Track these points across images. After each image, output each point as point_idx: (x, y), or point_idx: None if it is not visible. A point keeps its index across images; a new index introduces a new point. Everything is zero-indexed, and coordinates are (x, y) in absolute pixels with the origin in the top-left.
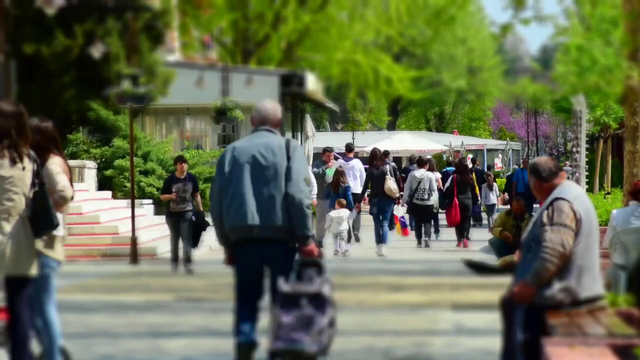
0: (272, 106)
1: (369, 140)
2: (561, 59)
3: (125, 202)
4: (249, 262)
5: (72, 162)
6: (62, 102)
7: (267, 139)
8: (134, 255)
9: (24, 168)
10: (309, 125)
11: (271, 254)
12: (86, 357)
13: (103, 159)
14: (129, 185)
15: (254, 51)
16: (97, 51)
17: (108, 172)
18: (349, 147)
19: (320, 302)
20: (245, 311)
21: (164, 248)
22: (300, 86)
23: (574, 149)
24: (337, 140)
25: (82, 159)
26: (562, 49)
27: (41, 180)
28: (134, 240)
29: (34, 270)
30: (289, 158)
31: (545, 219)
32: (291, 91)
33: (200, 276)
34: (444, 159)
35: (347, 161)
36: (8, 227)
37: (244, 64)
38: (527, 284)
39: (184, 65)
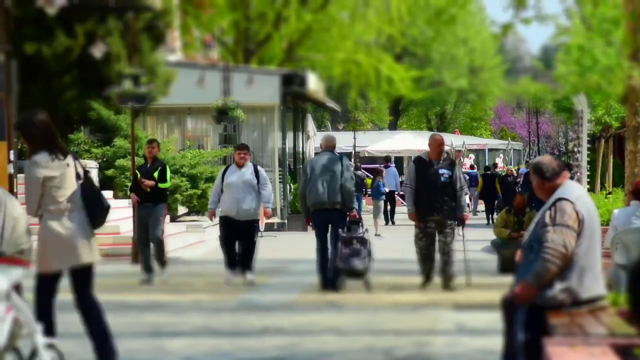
0: (332, 137)
1: (370, 140)
2: (562, 59)
3: (127, 202)
4: (322, 222)
5: None
6: (63, 102)
7: (330, 155)
8: (136, 255)
9: (68, 165)
10: (310, 125)
11: (335, 217)
12: (87, 356)
13: (104, 159)
14: (130, 185)
15: (255, 51)
16: (98, 51)
17: (109, 172)
18: (388, 158)
19: (363, 241)
20: (323, 249)
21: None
22: (302, 86)
23: (575, 149)
24: (338, 140)
25: (84, 158)
26: (564, 48)
27: (85, 171)
28: (135, 240)
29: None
30: (342, 165)
31: (547, 220)
32: (292, 91)
33: (200, 276)
34: None
35: (386, 168)
36: (68, 222)
37: (245, 63)
38: (528, 285)
39: (185, 65)
